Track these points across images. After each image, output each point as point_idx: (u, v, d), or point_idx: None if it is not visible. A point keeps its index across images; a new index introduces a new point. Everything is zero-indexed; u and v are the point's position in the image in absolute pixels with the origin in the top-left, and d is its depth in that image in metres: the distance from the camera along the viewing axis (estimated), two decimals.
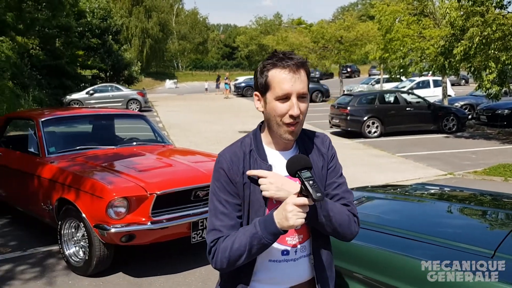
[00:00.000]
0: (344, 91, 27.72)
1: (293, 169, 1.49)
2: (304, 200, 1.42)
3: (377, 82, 29.58)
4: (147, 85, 45.62)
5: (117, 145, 5.71)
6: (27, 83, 20.68)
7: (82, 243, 4.43)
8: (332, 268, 1.76)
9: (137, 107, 22.71)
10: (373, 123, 14.26)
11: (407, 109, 14.79)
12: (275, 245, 1.59)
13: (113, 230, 4.01)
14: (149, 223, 4.14)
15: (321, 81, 35.10)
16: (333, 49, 28.52)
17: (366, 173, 9.09)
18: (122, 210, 4.07)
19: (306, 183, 1.43)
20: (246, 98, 31.97)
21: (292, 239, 1.64)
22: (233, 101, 30.09)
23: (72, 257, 4.53)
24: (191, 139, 13.27)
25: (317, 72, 45.12)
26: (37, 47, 25.10)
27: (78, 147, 5.38)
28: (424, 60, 18.92)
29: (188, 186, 4.39)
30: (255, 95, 1.66)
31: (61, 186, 4.52)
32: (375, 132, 14.24)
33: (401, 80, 24.19)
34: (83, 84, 29.04)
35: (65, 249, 4.57)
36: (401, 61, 20.00)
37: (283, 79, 1.54)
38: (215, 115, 20.59)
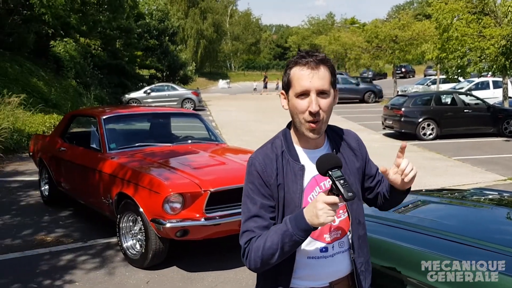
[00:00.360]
0: (398, 91, 27.11)
1: (324, 169, 1.49)
2: (334, 199, 1.43)
3: (433, 82, 28.71)
4: (201, 84, 46.50)
5: (173, 142, 5.89)
6: (89, 82, 21.66)
7: (139, 236, 4.61)
8: (369, 262, 1.78)
9: (192, 106, 23.24)
10: (428, 125, 13.86)
11: (465, 111, 14.26)
12: (313, 242, 1.62)
13: (168, 225, 4.14)
14: (202, 219, 4.25)
15: (374, 82, 34.49)
16: (387, 48, 27.94)
17: (421, 176, 8.81)
18: (178, 205, 4.21)
19: (337, 182, 1.45)
20: None
21: (329, 236, 1.65)
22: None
23: (130, 250, 4.72)
24: (243, 138, 13.41)
25: (369, 72, 44.38)
26: (99, 48, 26.23)
27: (136, 144, 5.61)
28: (484, 60, 18.19)
29: (240, 184, 4.43)
30: (281, 93, 1.70)
31: (120, 181, 4.72)
32: (430, 134, 13.83)
33: (459, 81, 23.35)
34: (141, 83, 30.08)
35: (123, 242, 4.76)
36: (459, 61, 19.34)
37: (302, 76, 1.57)
38: (266, 115, 20.69)
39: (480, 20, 18.40)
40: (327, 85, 1.59)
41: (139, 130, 6.38)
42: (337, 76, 30.95)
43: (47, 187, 6.80)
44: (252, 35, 69.92)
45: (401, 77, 46.78)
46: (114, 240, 5.25)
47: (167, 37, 34.26)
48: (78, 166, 5.74)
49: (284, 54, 79.61)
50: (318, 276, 1.66)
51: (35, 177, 8.00)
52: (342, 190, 1.43)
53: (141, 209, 4.39)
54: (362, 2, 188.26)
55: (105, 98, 22.79)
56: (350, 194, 1.43)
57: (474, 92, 18.81)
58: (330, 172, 1.48)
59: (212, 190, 4.24)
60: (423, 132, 13.81)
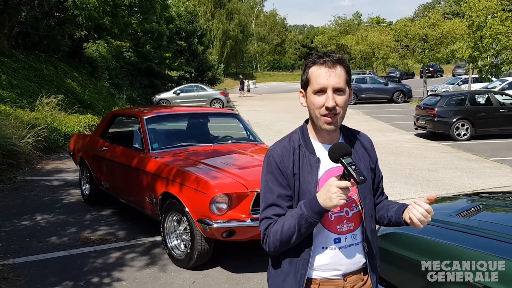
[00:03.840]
0: (428, 91, 26.66)
1: (336, 156, 1.61)
2: (346, 183, 1.55)
3: (464, 82, 28.14)
4: (227, 85, 46.74)
5: (214, 142, 5.90)
6: (121, 83, 22.00)
7: (184, 236, 4.64)
8: (378, 256, 1.88)
9: (220, 106, 23.39)
10: (462, 125, 13.58)
11: (500, 110, 13.91)
12: (327, 233, 1.73)
13: (215, 225, 4.15)
14: (249, 220, 4.24)
15: (402, 81, 34.02)
16: (417, 47, 27.51)
17: (458, 177, 8.69)
18: (224, 206, 4.21)
19: (349, 167, 1.55)
20: None
21: (342, 227, 1.75)
22: None
23: (174, 250, 4.75)
24: (272, 138, 13.36)
25: (397, 72, 43.78)
26: (130, 50, 26.63)
27: (178, 144, 5.64)
28: None
29: None
30: (300, 92, 1.80)
31: (165, 181, 4.75)
32: (464, 134, 13.55)
33: (491, 80, 22.83)
34: (170, 84, 30.44)
35: (167, 241, 4.80)
36: (493, 59, 18.93)
37: (319, 74, 1.68)
38: (294, 115, 20.62)
39: None
40: (343, 83, 1.69)
41: (179, 130, 6.42)
42: (365, 76, 30.73)
43: (87, 186, 6.93)
44: (278, 35, 69.95)
45: (429, 77, 45.99)
46: (157, 239, 5.32)
47: (196, 39, 34.53)
48: (120, 166, 5.81)
49: (309, 54, 79.23)
50: (332, 266, 1.74)
51: (75, 176, 8.17)
52: (354, 174, 1.53)
53: (186, 209, 4.41)
54: (388, 1, 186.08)
55: (136, 99, 23.13)
56: (362, 178, 1.53)
57: (508, 92, 18.34)
58: (341, 159, 1.59)
59: (258, 190, 4.23)
60: (457, 132, 13.54)
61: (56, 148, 11.18)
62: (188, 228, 4.48)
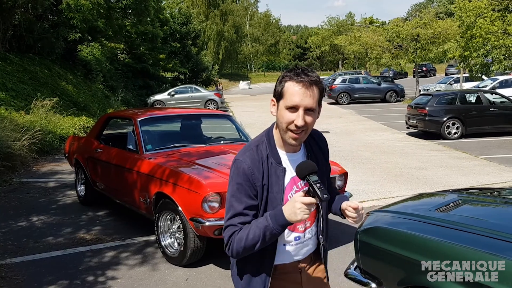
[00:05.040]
0: (420, 90, 26.87)
1: (303, 174, 1.72)
2: (311, 200, 1.66)
3: (456, 81, 28.38)
4: (222, 86, 46.80)
5: (206, 143, 6.03)
6: (115, 85, 22.07)
7: (177, 235, 4.76)
8: (327, 241, 2.10)
9: (214, 107, 23.49)
10: (453, 124, 13.77)
11: (490, 109, 14.11)
12: (290, 233, 1.91)
13: (207, 223, 4.26)
14: None
15: (395, 81, 34.22)
16: (409, 47, 27.72)
17: (448, 175, 8.86)
18: (216, 205, 4.34)
19: (314, 186, 1.67)
20: None
21: (302, 227, 1.94)
22: None
23: (168, 248, 4.88)
24: None
25: (390, 72, 44.01)
26: (124, 51, 26.68)
27: (171, 145, 5.77)
28: (509, 58, 17.95)
29: None
30: (272, 100, 1.86)
31: (159, 181, 4.88)
32: (455, 133, 13.74)
33: (482, 79, 23.06)
34: (164, 85, 30.52)
35: (161, 240, 4.93)
36: (483, 59, 19.13)
37: (295, 92, 1.73)
38: None
39: (505, 18, 18.19)
40: (315, 104, 1.77)
41: (172, 132, 6.54)
42: (358, 75, 30.90)
43: (83, 187, 7.03)
44: (272, 36, 70.07)
45: (422, 76, 46.32)
46: (151, 238, 5.43)
47: (190, 40, 34.62)
48: (115, 167, 5.93)
49: (303, 55, 79.52)
50: (290, 257, 1.96)
51: (71, 177, 8.27)
52: (319, 192, 1.66)
53: (179, 208, 4.53)
54: (381, 1, 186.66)
55: (131, 101, 23.19)
56: (325, 196, 1.66)
57: (498, 91, 18.57)
58: (308, 177, 1.70)
59: None
60: (448, 131, 13.73)
61: (51, 150, 11.27)
62: (181, 227, 4.60)
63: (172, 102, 23.84)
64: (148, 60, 28.43)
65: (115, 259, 4.97)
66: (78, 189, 7.16)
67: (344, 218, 1.97)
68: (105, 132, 7.23)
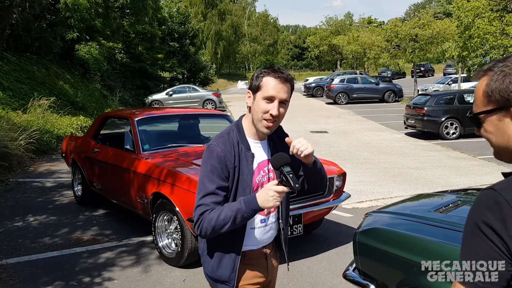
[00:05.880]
0: (418, 91, 26.89)
1: (277, 165, 1.85)
2: (283, 189, 1.81)
3: (454, 81, 28.41)
4: (220, 85, 46.82)
5: (204, 143, 5.99)
6: (113, 84, 22.02)
7: (174, 235, 4.73)
8: (288, 228, 2.26)
9: (212, 107, 23.47)
10: (451, 124, 13.77)
11: None
12: (257, 216, 2.03)
13: None
14: None
15: (393, 81, 34.24)
16: (407, 47, 27.75)
17: (446, 176, 8.85)
18: None
19: (287, 176, 1.80)
20: (316, 98, 31.93)
21: (267, 210, 2.07)
22: (303, 101, 30.14)
23: (165, 249, 4.85)
24: None
25: (389, 72, 44.06)
26: (122, 51, 26.63)
27: (169, 145, 5.73)
28: None
29: None
30: (248, 93, 2.04)
31: (156, 181, 4.84)
32: (453, 133, 13.75)
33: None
34: (163, 85, 30.48)
35: (158, 241, 4.89)
36: (482, 59, 19.14)
37: (273, 85, 1.94)
38: (287, 115, 20.18)
39: (503, 18, 18.20)
40: (288, 98, 1.99)
41: (170, 131, 6.51)
42: (356, 75, 30.91)
43: (80, 187, 6.99)
44: (270, 36, 70.07)
45: (420, 76, 46.35)
46: (148, 238, 5.40)
47: (188, 40, 34.58)
48: (112, 167, 5.89)
49: (302, 55, 79.54)
50: (257, 241, 2.09)
51: (68, 177, 8.24)
52: (291, 182, 1.79)
53: (177, 209, 4.49)
54: (379, 2, 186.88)
55: (129, 100, 23.14)
56: (297, 185, 1.79)
57: None
58: (282, 168, 1.83)
59: None
60: (446, 131, 13.73)
61: (48, 150, 11.22)
62: (179, 227, 4.57)
63: (170, 101, 23.80)
64: (146, 59, 28.38)
65: (111, 260, 4.94)
66: (75, 189, 7.12)
67: (304, 163, 2.01)
68: (102, 132, 7.20)
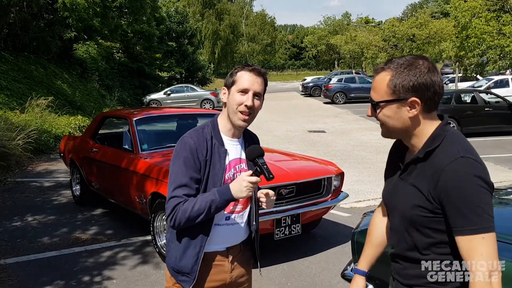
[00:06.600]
0: None
1: (252, 156, 1.93)
2: (257, 179, 1.87)
3: (451, 81, 28.46)
4: (218, 85, 46.75)
5: None
6: (111, 84, 22.00)
7: None
8: (258, 233, 2.24)
9: (210, 107, 23.48)
10: (448, 124, 13.78)
11: (485, 109, 14.16)
12: (222, 212, 2.04)
13: None
14: None
15: None
16: (405, 47, 27.82)
17: None
18: None
19: (262, 167, 1.87)
20: (314, 98, 31.94)
21: (233, 208, 2.10)
22: (301, 100, 30.16)
23: (164, 248, 4.85)
24: (262, 138, 13.31)
25: None
26: (120, 51, 26.60)
27: (167, 145, 5.74)
28: (504, 58, 18.00)
29: (272, 184, 4.56)
30: (223, 89, 2.09)
31: (154, 181, 4.85)
32: None
33: (477, 79, 23.13)
34: (161, 84, 30.48)
35: (157, 240, 4.90)
36: (479, 59, 19.19)
37: (247, 78, 2.00)
38: (284, 115, 20.77)
39: (500, 18, 18.25)
40: (262, 91, 2.05)
41: (168, 131, 6.52)
42: (354, 75, 30.95)
43: (78, 187, 6.99)
44: (268, 35, 70.06)
45: None
46: (147, 238, 5.41)
47: (186, 40, 34.56)
48: (110, 167, 5.89)
49: (299, 54, 79.54)
50: (220, 241, 2.08)
51: (66, 177, 8.24)
52: (265, 172, 1.86)
53: None
54: (377, 1, 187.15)
55: (127, 100, 23.12)
56: (271, 176, 1.85)
57: (493, 90, 18.63)
58: (257, 159, 1.91)
59: None
60: None
61: (46, 150, 11.21)
62: None
63: (168, 101, 23.80)
64: (144, 59, 28.37)
65: (110, 260, 4.94)
66: (74, 188, 7.12)
67: (260, 206, 2.14)
68: (100, 131, 7.20)
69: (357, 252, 2.96)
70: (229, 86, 2.05)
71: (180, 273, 2.06)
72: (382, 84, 1.58)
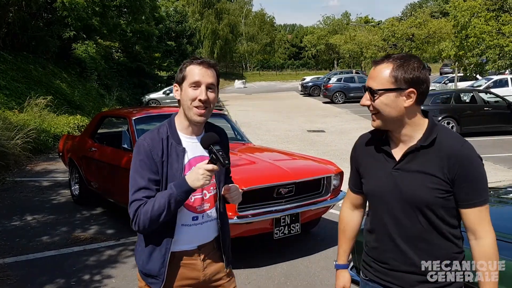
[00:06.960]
0: None
1: (207, 143, 1.90)
2: (213, 166, 1.84)
3: (450, 80, 28.46)
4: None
5: None
6: (110, 83, 21.98)
7: None
8: (229, 232, 2.22)
9: None
10: (448, 123, 13.78)
11: (485, 108, 14.16)
12: (187, 212, 2.01)
13: None
14: (235, 218, 4.34)
15: None
16: (404, 47, 27.82)
17: None
18: None
19: (217, 153, 1.84)
20: (313, 98, 31.94)
21: (200, 207, 2.05)
22: (300, 100, 30.15)
23: None
24: (262, 138, 13.49)
25: None
26: (119, 50, 26.58)
27: None
28: (503, 58, 18.01)
29: (271, 183, 4.57)
30: (175, 86, 2.04)
31: None
32: None
33: (476, 79, 23.13)
34: (160, 84, 30.47)
35: None
36: (478, 58, 19.19)
37: (197, 71, 1.95)
38: (284, 114, 20.76)
39: (499, 18, 18.26)
40: (215, 82, 2.00)
41: None
42: (353, 75, 30.96)
43: (77, 186, 6.98)
44: (267, 35, 70.02)
45: None
46: None
47: (185, 39, 34.55)
48: (109, 166, 5.88)
49: (299, 54, 79.52)
50: (190, 240, 2.04)
51: (65, 176, 8.23)
52: (221, 159, 1.82)
53: None
54: (376, 1, 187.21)
55: (126, 99, 23.11)
56: (227, 162, 1.84)
57: (493, 90, 18.62)
58: (211, 146, 1.87)
59: (245, 189, 4.29)
60: None
61: (45, 149, 11.20)
62: None
63: (167, 101, 23.81)
64: (144, 59, 28.35)
65: (110, 259, 4.94)
66: (72, 188, 7.11)
67: (228, 202, 2.13)
68: (99, 131, 7.18)
69: (357, 251, 2.95)
70: (180, 82, 2.00)
71: (149, 276, 2.04)
72: (383, 73, 1.71)
